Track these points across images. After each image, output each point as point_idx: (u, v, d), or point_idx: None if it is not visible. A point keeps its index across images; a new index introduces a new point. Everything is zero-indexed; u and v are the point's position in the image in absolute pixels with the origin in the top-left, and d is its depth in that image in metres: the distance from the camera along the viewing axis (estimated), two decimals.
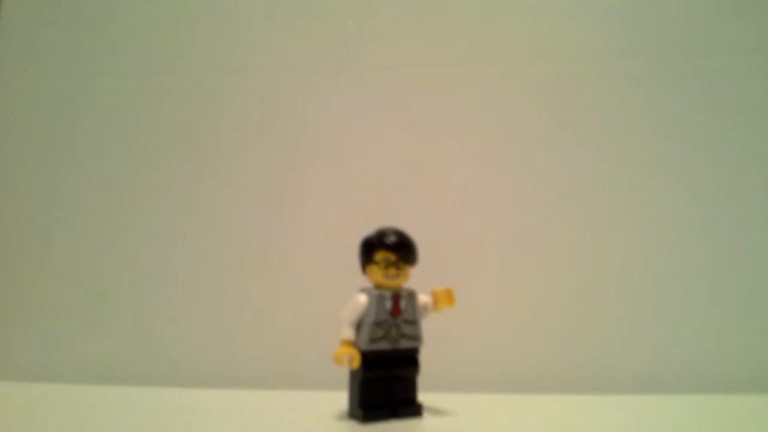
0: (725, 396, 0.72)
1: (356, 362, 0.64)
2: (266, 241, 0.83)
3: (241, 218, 0.83)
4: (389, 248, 0.65)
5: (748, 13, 0.81)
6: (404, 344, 0.65)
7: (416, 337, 0.66)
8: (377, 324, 0.64)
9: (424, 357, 0.66)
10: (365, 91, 0.84)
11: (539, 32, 0.83)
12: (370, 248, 0.66)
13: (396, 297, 0.65)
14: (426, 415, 0.66)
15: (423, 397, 0.67)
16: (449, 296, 0.66)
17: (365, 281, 0.67)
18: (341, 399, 0.67)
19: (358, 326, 0.65)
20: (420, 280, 0.67)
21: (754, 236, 0.79)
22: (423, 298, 0.67)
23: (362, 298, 0.65)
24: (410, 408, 0.66)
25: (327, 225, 0.82)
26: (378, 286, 0.66)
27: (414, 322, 0.66)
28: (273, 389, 0.76)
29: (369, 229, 0.67)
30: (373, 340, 0.64)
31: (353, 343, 0.64)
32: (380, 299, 0.65)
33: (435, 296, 0.67)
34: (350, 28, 0.84)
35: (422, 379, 0.66)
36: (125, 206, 0.85)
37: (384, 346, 0.64)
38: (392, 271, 0.65)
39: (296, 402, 0.72)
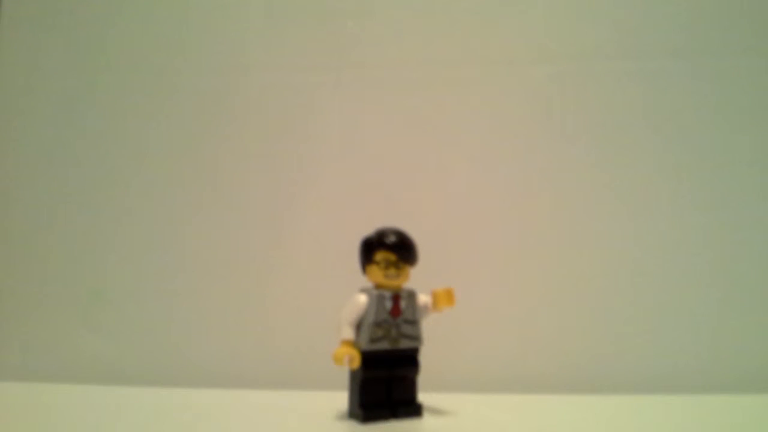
0: (725, 396, 0.72)
1: (356, 362, 0.64)
2: (266, 241, 0.83)
3: (242, 218, 0.83)
4: (389, 248, 0.65)
5: (748, 14, 0.81)
6: (404, 344, 0.65)
7: (416, 337, 0.66)
8: (377, 324, 0.64)
9: (424, 357, 0.66)
10: (365, 90, 0.84)
11: (539, 32, 0.83)
12: (370, 248, 0.66)
13: (396, 297, 0.65)
14: (426, 415, 0.66)
15: (423, 397, 0.67)
16: (449, 296, 0.66)
17: (365, 281, 0.67)
18: (341, 399, 0.67)
19: (358, 326, 0.65)
20: (420, 280, 0.67)
21: (754, 236, 0.79)
22: (423, 298, 0.67)
23: (362, 298, 0.65)
24: (410, 408, 0.66)
25: (327, 225, 0.82)
26: (378, 286, 0.66)
27: (414, 322, 0.66)
28: (273, 389, 0.76)
29: (369, 229, 0.67)
30: (373, 340, 0.64)
31: (353, 343, 0.65)
32: (380, 299, 0.65)
33: (435, 296, 0.67)
34: (350, 28, 0.84)
35: (422, 379, 0.66)
36: (125, 205, 0.84)
37: (384, 346, 0.64)
38: (392, 271, 0.65)
39: (296, 402, 0.72)
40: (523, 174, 0.82)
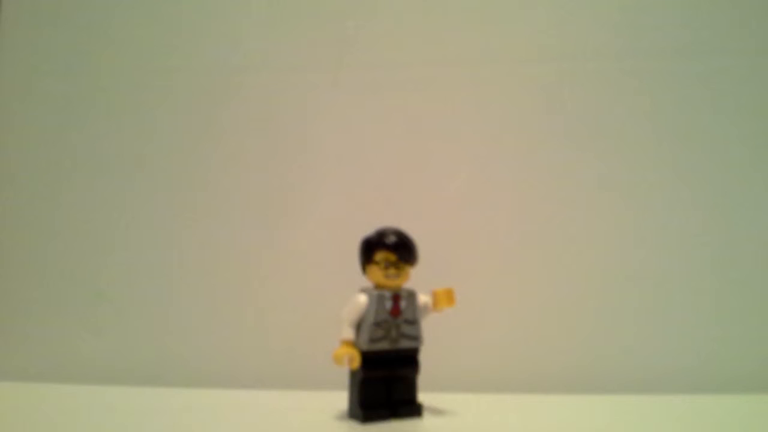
0: (725, 396, 0.72)
1: (356, 362, 0.64)
2: (266, 241, 0.83)
3: (241, 218, 0.83)
4: (389, 248, 0.65)
5: (748, 14, 0.81)
6: (404, 344, 0.65)
7: (416, 337, 0.66)
8: (377, 324, 0.64)
9: (424, 357, 0.66)
10: (365, 91, 0.84)
11: (539, 32, 0.83)
12: (370, 248, 0.66)
13: (396, 297, 0.65)
14: (426, 415, 0.66)
15: (423, 397, 0.67)
16: (449, 296, 0.66)
17: (365, 281, 0.67)
18: (341, 399, 0.67)
19: (358, 326, 0.65)
20: (420, 280, 0.67)
21: (754, 236, 0.79)
22: (423, 298, 0.67)
23: (362, 298, 0.65)
24: (410, 408, 0.66)
25: (327, 225, 0.82)
26: (378, 286, 0.66)
27: (414, 322, 0.66)
28: (273, 389, 0.76)
29: (369, 229, 0.67)
30: (373, 340, 0.64)
31: (353, 343, 0.65)
32: (380, 299, 0.65)
33: (435, 296, 0.67)
34: (350, 28, 0.84)
35: (422, 379, 0.66)
36: (125, 206, 0.85)
37: (384, 346, 0.64)
38: (392, 271, 0.65)
39: (296, 402, 0.72)
40: (523, 174, 0.82)
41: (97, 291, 0.83)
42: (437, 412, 0.68)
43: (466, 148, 0.83)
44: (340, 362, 0.64)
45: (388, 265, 0.65)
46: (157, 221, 0.84)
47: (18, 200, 0.86)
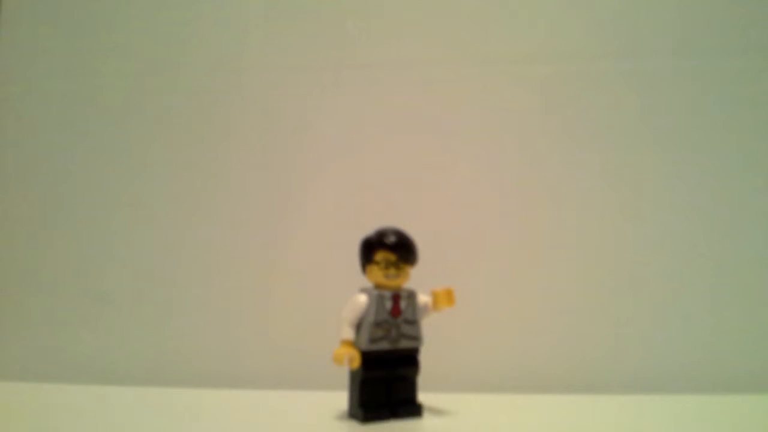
0: (725, 396, 0.72)
1: (356, 362, 0.64)
2: (266, 241, 0.83)
3: (242, 218, 0.83)
4: (389, 248, 0.65)
5: (748, 14, 0.81)
6: (404, 344, 0.65)
7: (416, 337, 0.66)
8: (377, 324, 0.64)
9: (424, 357, 0.66)
10: (365, 90, 0.84)
11: (538, 32, 0.83)
12: (370, 248, 0.66)
13: (396, 297, 0.65)
14: (426, 415, 0.66)
15: (423, 397, 0.67)
16: (449, 296, 0.66)
17: (365, 281, 0.67)
18: (341, 399, 0.67)
19: (358, 326, 0.65)
20: (420, 280, 0.67)
21: (753, 236, 0.79)
22: (423, 298, 0.67)
23: (362, 298, 0.65)
24: (410, 408, 0.66)
25: (327, 225, 0.82)
26: (378, 286, 0.66)
27: (414, 322, 0.66)
28: (273, 389, 0.76)
29: (369, 229, 0.67)
30: (373, 340, 0.64)
31: (353, 343, 0.65)
32: (380, 299, 0.65)
33: (435, 296, 0.67)
34: (350, 28, 0.84)
35: (422, 379, 0.66)
36: (125, 206, 0.85)
37: (384, 346, 0.64)
38: (392, 271, 0.65)
39: (296, 402, 0.72)
40: (522, 174, 0.82)
41: (98, 290, 0.83)
42: (437, 412, 0.68)
43: (466, 148, 0.83)
44: (340, 362, 0.64)
45: (388, 265, 0.65)
46: (157, 221, 0.84)
47: (18, 200, 0.86)
